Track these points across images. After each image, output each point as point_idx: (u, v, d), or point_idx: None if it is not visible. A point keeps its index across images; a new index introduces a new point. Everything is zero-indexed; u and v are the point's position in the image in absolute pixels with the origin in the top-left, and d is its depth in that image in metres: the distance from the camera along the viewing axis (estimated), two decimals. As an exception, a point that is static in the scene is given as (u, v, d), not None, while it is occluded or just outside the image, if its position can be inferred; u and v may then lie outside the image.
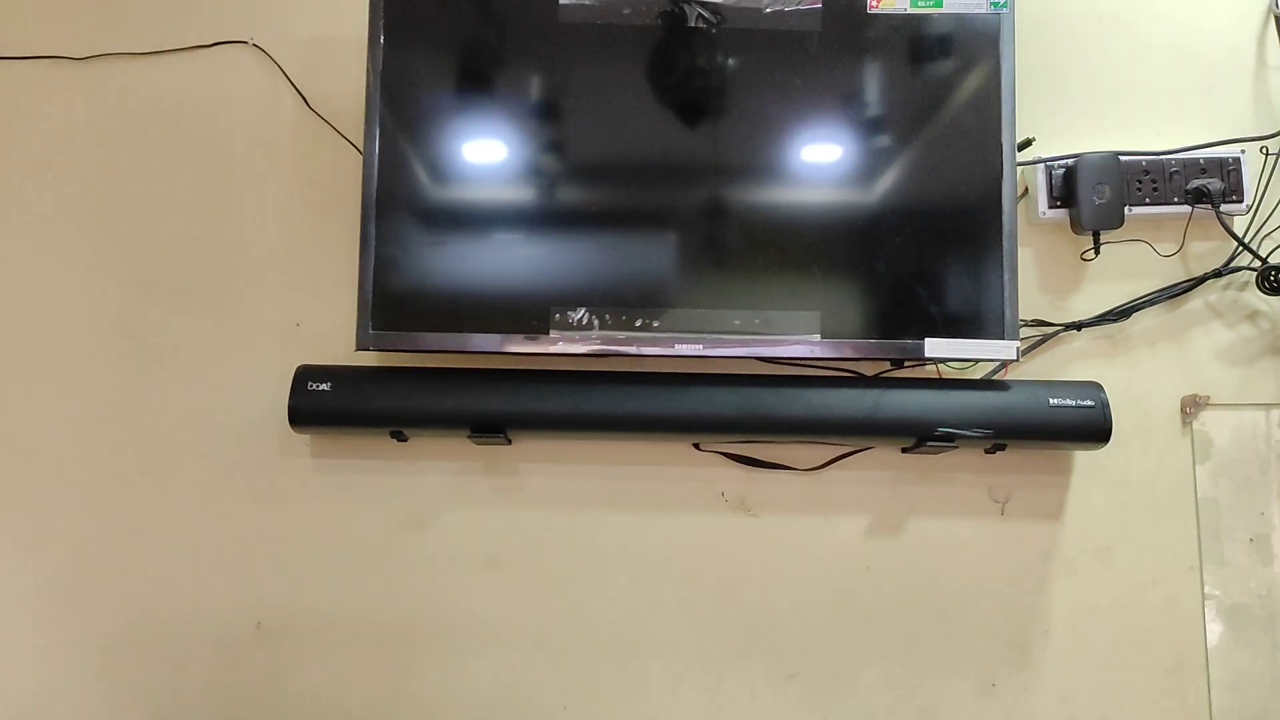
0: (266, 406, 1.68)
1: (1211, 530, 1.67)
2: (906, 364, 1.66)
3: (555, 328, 1.58)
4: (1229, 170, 1.67)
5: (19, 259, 1.71)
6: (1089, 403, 1.60)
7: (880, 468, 1.71)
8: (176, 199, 1.73)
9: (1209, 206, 1.66)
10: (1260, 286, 1.68)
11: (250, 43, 1.75)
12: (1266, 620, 1.65)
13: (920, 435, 1.60)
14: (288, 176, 1.73)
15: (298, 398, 1.59)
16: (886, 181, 1.61)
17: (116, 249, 1.72)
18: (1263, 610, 1.65)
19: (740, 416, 1.62)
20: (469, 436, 1.62)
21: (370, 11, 1.61)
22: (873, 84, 1.63)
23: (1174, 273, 1.71)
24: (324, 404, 1.60)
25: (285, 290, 1.72)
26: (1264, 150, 1.69)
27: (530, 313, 1.58)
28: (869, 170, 1.61)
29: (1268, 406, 1.69)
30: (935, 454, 1.68)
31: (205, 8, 1.76)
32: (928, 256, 1.61)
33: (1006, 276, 1.60)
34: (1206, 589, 1.66)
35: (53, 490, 1.69)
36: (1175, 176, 1.67)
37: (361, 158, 1.68)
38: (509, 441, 1.64)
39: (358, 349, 1.57)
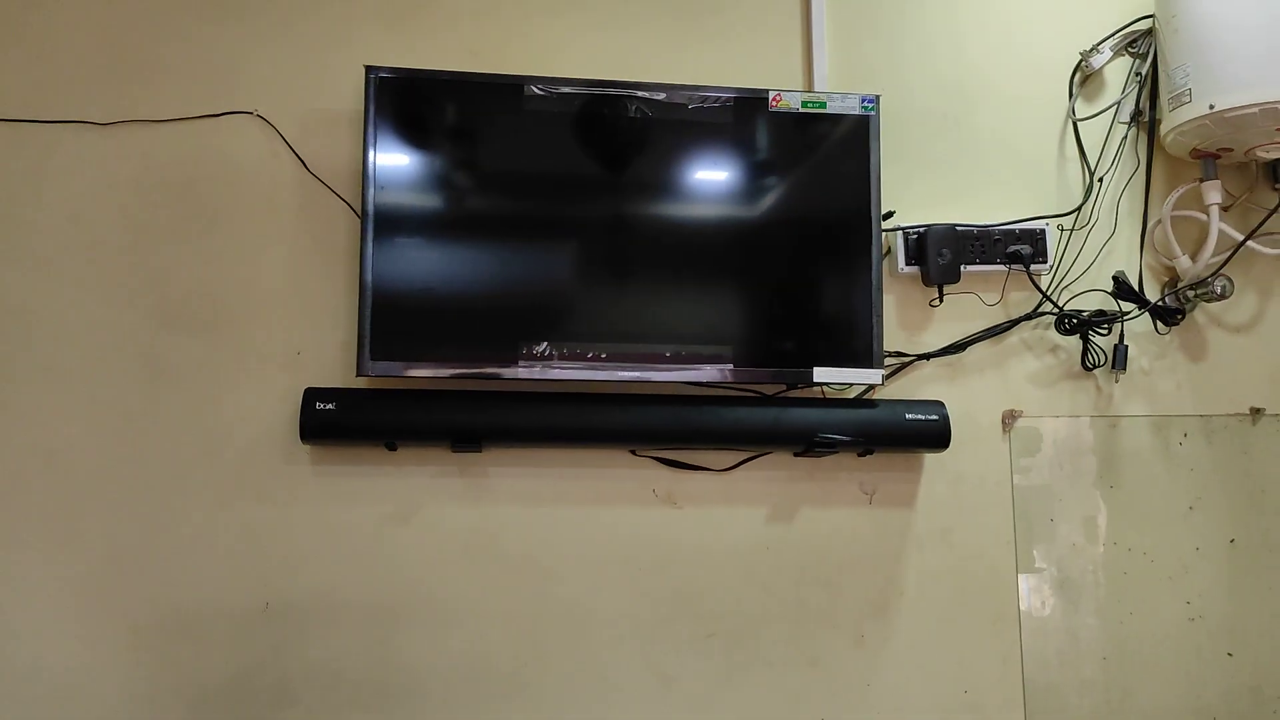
0: (272, 422, 1.93)
1: (1023, 513, 2.10)
2: (799, 386, 2.02)
3: (522, 359, 1.90)
4: (1036, 239, 2.10)
5: (54, 299, 1.91)
6: (934, 417, 2.00)
7: (777, 468, 2.04)
8: (192, 248, 1.95)
9: (1022, 267, 2.08)
10: (1058, 328, 2.12)
11: (255, 113, 1.99)
12: (1062, 581, 2.09)
13: (808, 442, 1.95)
14: (289, 230, 1.98)
15: (307, 415, 1.85)
16: (782, 244, 1.99)
17: (141, 290, 1.93)
18: (1059, 574, 2.09)
19: (669, 429, 1.95)
20: (450, 447, 1.92)
21: (365, 94, 1.89)
22: (772, 166, 2.01)
23: (996, 316, 2.13)
24: (329, 420, 1.86)
25: (287, 325, 1.95)
26: (1060, 226, 2.16)
27: (502, 346, 1.89)
28: (770, 237, 2.00)
29: (1064, 418, 2.14)
30: (819, 457, 2.02)
31: (214, 82, 1.99)
32: (815, 302, 2.00)
33: (874, 319, 1.98)
34: (1019, 559, 2.10)
35: (89, 495, 1.89)
36: (998, 243, 2.10)
37: (351, 211, 1.97)
38: (480, 449, 1.93)
39: (358, 375, 1.85)
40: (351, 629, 1.93)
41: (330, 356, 1.97)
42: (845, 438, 1.96)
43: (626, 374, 1.93)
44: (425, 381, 1.93)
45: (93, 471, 1.90)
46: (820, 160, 2.03)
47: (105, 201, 1.96)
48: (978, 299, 2.14)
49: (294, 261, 1.99)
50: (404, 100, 1.93)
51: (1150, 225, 2.19)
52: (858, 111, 2.04)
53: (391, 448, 1.94)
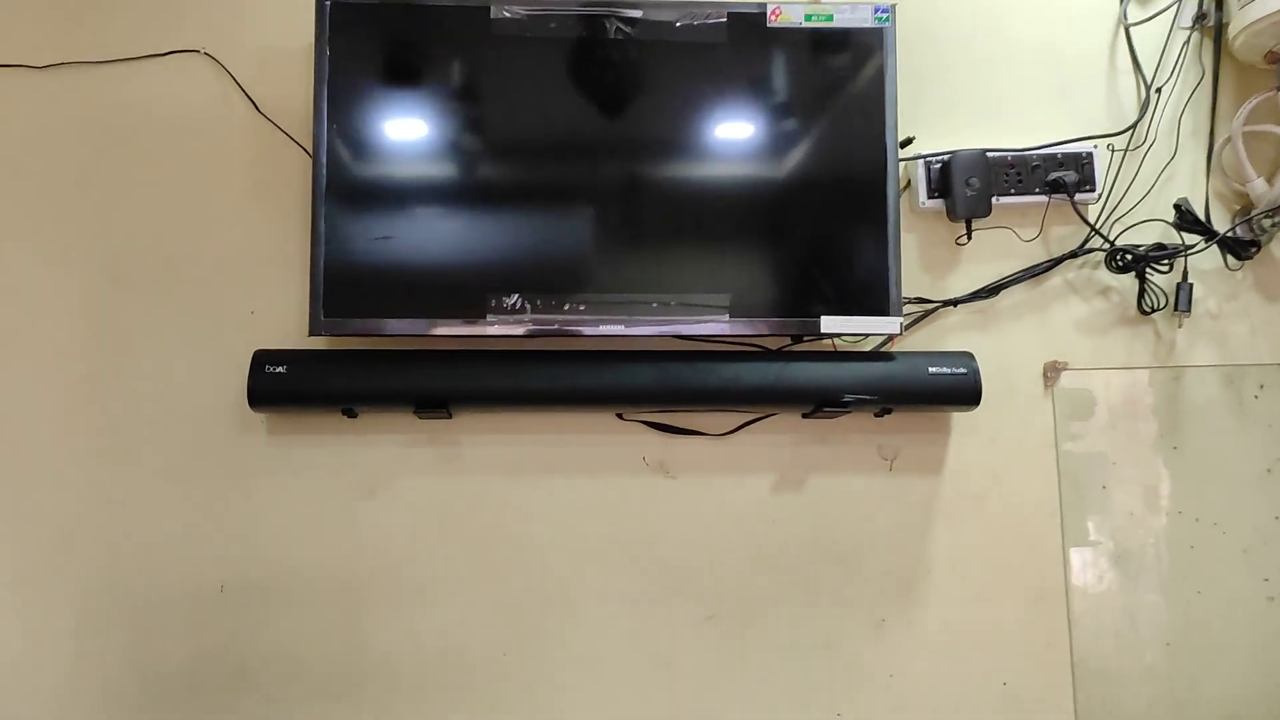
0: (225, 388, 1.83)
1: (1070, 479, 1.91)
2: (805, 339, 1.86)
3: (491, 312, 1.75)
4: (1083, 164, 1.89)
5: (-11, 255, 1.84)
6: (963, 370, 1.82)
7: (783, 431, 1.90)
8: (138, 198, 1.86)
9: (1065, 196, 1.88)
10: (1109, 266, 1.92)
11: (202, 52, 1.87)
12: (1116, 555, 1.90)
13: (818, 402, 1.80)
14: (240, 176, 1.87)
15: (256, 380, 1.73)
16: (785, 176, 1.81)
17: (83, 245, 1.84)
18: (1114, 546, 1.90)
19: (658, 388, 1.80)
20: (414, 413, 1.78)
21: (316, 24, 1.75)
22: (772, 89, 1.83)
23: (1035, 254, 1.93)
24: (281, 385, 1.74)
25: (239, 280, 1.85)
26: (1110, 147, 1.92)
27: (468, 299, 1.75)
28: (770, 167, 1.81)
29: (1117, 370, 1.94)
30: (831, 418, 1.87)
31: (158, 20, 1.88)
32: (823, 243, 1.82)
33: (891, 260, 1.80)
34: (1065, 531, 1.90)
35: (32, 467, 1.81)
36: (1036, 170, 1.89)
37: (308, 157, 1.83)
38: (450, 416, 1.80)
39: (310, 334, 1.72)
40: (314, 611, 1.83)
41: (286, 315, 1.86)
42: (860, 396, 1.79)
43: (609, 328, 1.78)
44: (386, 341, 1.81)
45: (38, 441, 1.83)
46: (828, 82, 1.84)
47: (44, 150, 1.87)
48: (1013, 235, 1.94)
49: (247, 212, 1.88)
50: (359, 29, 1.79)
51: (1218, 144, 1.98)
52: (870, 23, 1.84)
53: (351, 414, 1.80)
